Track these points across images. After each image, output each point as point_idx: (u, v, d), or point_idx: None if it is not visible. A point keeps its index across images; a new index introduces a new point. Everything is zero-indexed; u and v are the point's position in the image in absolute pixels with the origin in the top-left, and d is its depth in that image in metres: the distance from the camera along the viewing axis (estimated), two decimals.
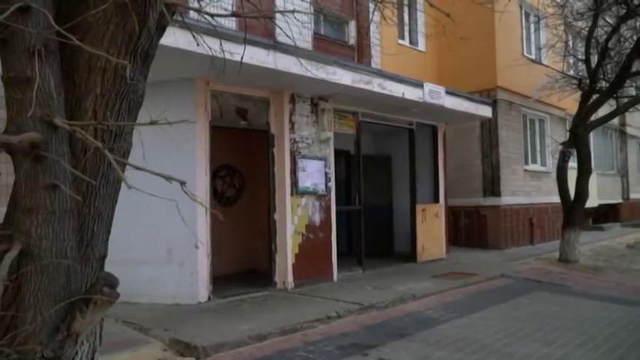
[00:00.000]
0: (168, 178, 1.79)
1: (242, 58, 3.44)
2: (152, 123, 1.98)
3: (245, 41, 3.96)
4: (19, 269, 2.04)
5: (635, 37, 11.44)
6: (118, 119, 2.28)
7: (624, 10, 10.76)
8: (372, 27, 11.57)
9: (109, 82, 2.22)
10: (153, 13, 2.23)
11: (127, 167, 2.26)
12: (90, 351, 2.40)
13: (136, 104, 2.35)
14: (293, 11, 2.58)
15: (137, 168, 1.94)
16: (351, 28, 12.21)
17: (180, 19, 3.62)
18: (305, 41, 9.97)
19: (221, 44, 2.83)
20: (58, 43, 2.07)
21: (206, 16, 2.81)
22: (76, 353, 2.18)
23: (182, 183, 1.75)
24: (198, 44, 3.28)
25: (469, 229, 13.79)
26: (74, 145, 2.19)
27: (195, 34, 3.39)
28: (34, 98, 1.84)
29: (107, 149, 2.18)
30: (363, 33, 12.03)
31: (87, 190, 2.25)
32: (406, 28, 13.65)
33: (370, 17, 10.67)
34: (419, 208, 11.30)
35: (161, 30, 2.41)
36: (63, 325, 2.05)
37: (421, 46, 13.87)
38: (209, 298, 7.30)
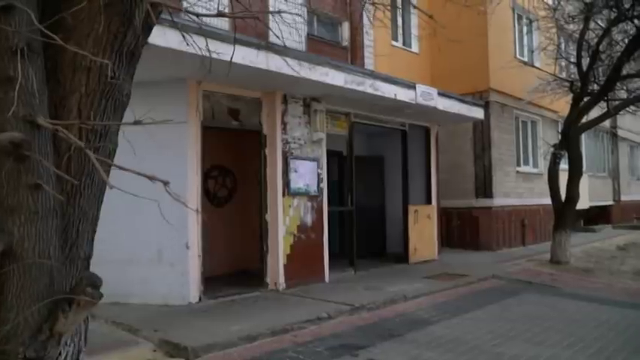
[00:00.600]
0: (151, 178, 1.78)
1: (232, 58, 3.44)
2: (136, 123, 1.97)
3: (235, 41, 3.95)
4: (1, 269, 2.03)
5: (625, 41, 11.51)
6: (103, 119, 2.27)
7: (615, 14, 10.82)
8: (365, 28, 11.60)
9: (94, 81, 2.21)
10: (139, 13, 2.22)
11: (115, 167, 2.25)
12: (75, 351, 2.39)
13: (121, 104, 2.34)
14: (279, 12, 2.58)
15: (120, 168, 1.94)
16: (345, 29, 12.24)
17: (169, 18, 3.62)
18: (298, 42, 9.97)
19: (207, 44, 2.83)
20: (41, 42, 2.06)
21: (192, 16, 2.81)
22: (60, 354, 2.16)
23: (165, 183, 1.75)
24: (187, 44, 3.28)
25: (461, 230, 13.83)
26: (59, 144, 2.18)
27: (184, 34, 3.39)
28: (16, 97, 1.83)
29: (92, 149, 2.18)
30: (356, 34, 12.06)
31: (71, 189, 2.23)
32: (399, 29, 13.68)
33: (359, 17, 10.71)
34: (411, 209, 11.32)
35: (147, 30, 2.40)
36: (46, 326, 2.04)
37: (414, 48, 13.91)
38: (200, 299, 7.29)
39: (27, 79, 1.94)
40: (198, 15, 2.33)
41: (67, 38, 2.12)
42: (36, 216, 2.02)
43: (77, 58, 2.16)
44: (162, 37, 5.38)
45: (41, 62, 2.10)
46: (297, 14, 3.64)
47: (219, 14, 2.47)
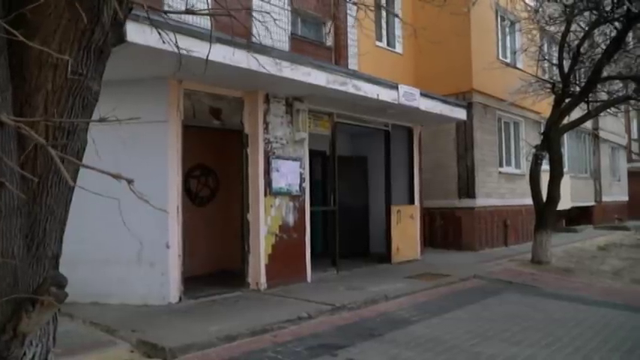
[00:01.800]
0: (116, 177, 1.76)
1: (207, 56, 3.42)
2: (101, 120, 1.95)
3: (212, 39, 3.93)
4: None
5: (606, 43, 11.65)
6: (71, 117, 2.24)
7: (595, 16, 10.95)
8: (350, 28, 11.61)
9: (60, 78, 2.18)
10: (107, 9, 2.20)
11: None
12: (43, 352, 2.35)
13: (90, 101, 2.31)
14: (249, 9, 2.56)
15: (85, 167, 1.91)
16: (329, 29, 12.23)
17: (146, 15, 3.58)
18: (281, 41, 9.95)
19: (176, 40, 2.80)
20: (5, 38, 2.03)
21: (174, 14, 2.79)
22: (25, 354, 2.13)
23: (129, 181, 1.73)
24: (164, 41, 3.25)
25: (444, 230, 13.91)
26: (25, 142, 2.15)
27: (160, 31, 3.36)
28: None
29: (59, 147, 2.15)
30: (340, 34, 12.07)
31: (38, 187, 2.20)
32: (383, 30, 13.72)
33: (343, 18, 10.71)
34: (394, 209, 11.35)
35: (117, 26, 2.37)
36: (9, 326, 2.01)
37: (398, 49, 13.95)
38: (180, 299, 7.24)
39: None
40: (166, 12, 2.31)
41: (33, 34, 2.09)
42: None
43: (43, 54, 2.13)
44: (141, 35, 5.34)
45: (5, 59, 2.06)
46: (266, 12, 3.60)
47: (188, 11, 2.44)
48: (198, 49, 4.73)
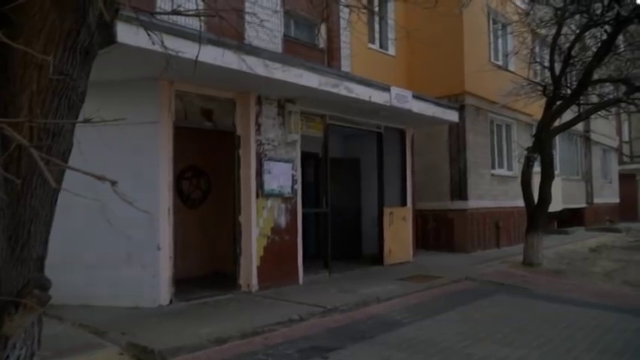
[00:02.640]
0: (100, 178, 1.74)
1: (197, 57, 3.40)
2: (86, 121, 1.93)
3: (201, 41, 3.91)
4: None
5: (597, 46, 11.72)
6: (56, 117, 2.22)
7: (586, 20, 11.01)
8: (342, 31, 11.61)
9: (45, 79, 2.16)
10: (92, 10, 2.18)
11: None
12: (27, 355, 2.33)
13: (75, 102, 2.29)
14: (240, 11, 2.56)
15: (69, 168, 1.89)
16: (321, 31, 12.23)
17: (134, 16, 3.56)
18: (274, 43, 9.93)
19: (162, 40, 2.78)
20: None
21: (165, 15, 2.78)
22: (8, 357, 2.11)
23: (113, 183, 1.71)
24: (153, 43, 3.23)
25: (437, 232, 13.92)
26: (8, 143, 2.12)
27: (149, 32, 3.34)
28: None
29: (44, 148, 2.13)
30: (332, 36, 12.08)
31: (22, 189, 2.18)
32: (376, 32, 13.73)
33: (336, 20, 10.71)
34: (386, 211, 11.35)
35: (104, 27, 2.35)
36: None
37: (391, 51, 13.97)
38: (171, 301, 7.20)
39: None
40: (152, 13, 2.29)
41: (17, 35, 2.07)
42: None
43: (28, 54, 2.11)
44: (132, 36, 5.30)
45: None
46: (252, 13, 3.60)
47: (175, 12, 2.43)
48: (188, 50, 4.71)
